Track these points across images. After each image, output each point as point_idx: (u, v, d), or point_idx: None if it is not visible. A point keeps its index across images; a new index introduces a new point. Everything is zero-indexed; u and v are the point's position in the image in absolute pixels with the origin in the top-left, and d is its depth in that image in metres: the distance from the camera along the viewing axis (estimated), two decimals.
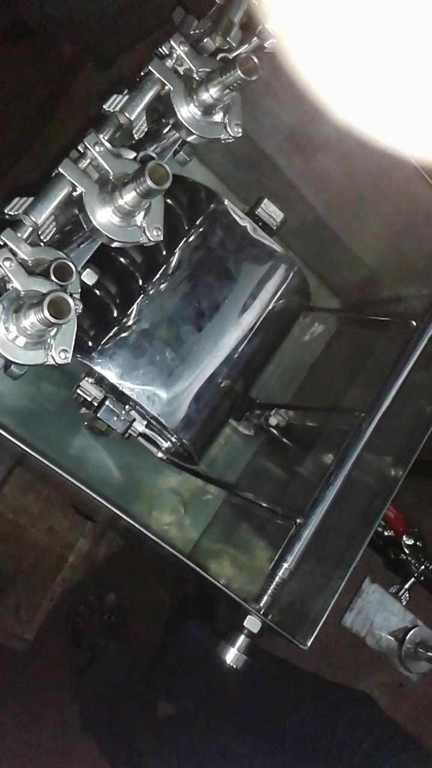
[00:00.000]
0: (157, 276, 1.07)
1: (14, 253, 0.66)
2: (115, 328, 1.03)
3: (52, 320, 0.60)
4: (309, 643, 0.91)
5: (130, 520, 0.82)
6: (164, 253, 1.09)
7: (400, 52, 0.84)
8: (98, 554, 1.58)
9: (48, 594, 1.51)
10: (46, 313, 0.60)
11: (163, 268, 1.08)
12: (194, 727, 1.24)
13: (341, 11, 0.75)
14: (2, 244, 0.66)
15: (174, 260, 1.08)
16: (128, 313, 1.05)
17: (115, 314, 1.05)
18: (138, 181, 0.65)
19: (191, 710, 1.35)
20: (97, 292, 1.04)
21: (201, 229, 1.09)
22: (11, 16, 1.61)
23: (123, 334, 1.03)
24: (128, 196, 0.67)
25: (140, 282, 1.07)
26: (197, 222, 1.08)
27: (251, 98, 0.91)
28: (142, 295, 1.06)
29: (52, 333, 0.67)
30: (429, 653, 1.88)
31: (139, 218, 0.71)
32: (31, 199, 0.68)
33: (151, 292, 1.06)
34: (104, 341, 1.01)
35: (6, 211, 0.67)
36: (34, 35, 1.70)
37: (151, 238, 0.72)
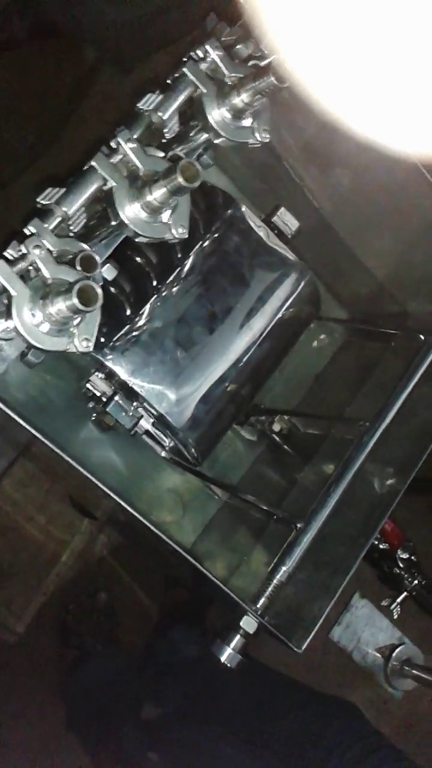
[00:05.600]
0: (172, 277, 1.08)
1: (42, 242, 0.67)
2: (128, 326, 1.05)
3: (81, 308, 0.61)
4: (303, 647, 0.92)
5: (133, 512, 0.83)
6: (179, 255, 1.10)
7: (422, 69, 0.86)
8: (93, 553, 1.58)
9: (41, 589, 1.51)
10: (75, 301, 0.61)
11: (178, 270, 1.09)
12: (183, 729, 1.24)
13: (362, 27, 0.77)
14: (32, 232, 0.67)
15: (189, 263, 1.10)
16: (141, 312, 1.06)
17: (128, 312, 1.07)
18: (169, 178, 0.67)
19: (180, 713, 1.35)
20: (112, 289, 1.06)
21: (217, 234, 1.10)
22: (38, 15, 1.63)
23: (135, 332, 1.04)
24: (158, 193, 0.69)
25: (154, 282, 1.09)
26: (214, 226, 1.10)
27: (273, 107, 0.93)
28: (155, 296, 1.07)
29: (76, 322, 0.68)
30: (414, 671, 1.88)
31: (165, 215, 0.72)
32: (63, 190, 0.70)
33: (164, 293, 1.07)
34: (116, 338, 1.03)
35: (38, 200, 0.69)
36: (58, 36, 1.72)
37: (176, 235, 0.73)
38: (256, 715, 1.25)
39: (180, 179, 0.66)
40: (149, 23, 1.43)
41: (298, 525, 0.96)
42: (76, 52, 1.71)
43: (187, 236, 0.75)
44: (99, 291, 0.62)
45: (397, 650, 1.91)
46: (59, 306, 0.63)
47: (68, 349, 0.69)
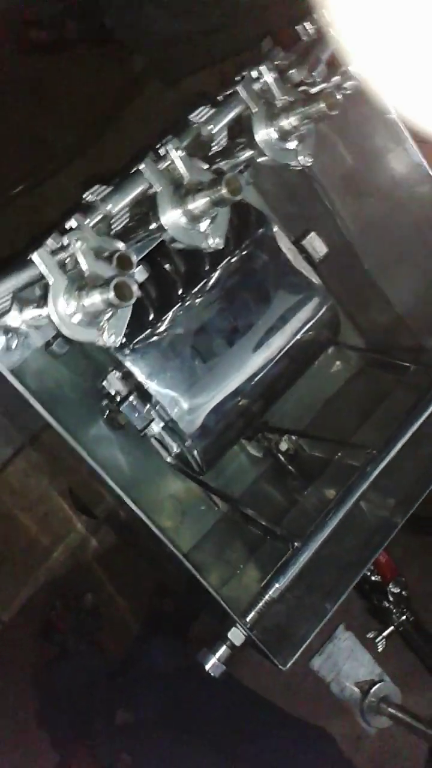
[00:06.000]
0: (197, 288, 1.11)
1: (84, 235, 0.69)
2: (149, 330, 1.06)
3: (116, 302, 0.63)
4: (288, 665, 0.93)
5: (137, 510, 0.84)
6: (207, 267, 1.12)
7: None
8: (87, 552, 1.59)
9: (30, 581, 1.52)
10: (112, 295, 0.63)
11: (204, 281, 1.11)
12: (157, 737, 1.24)
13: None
14: (75, 226, 0.69)
15: (215, 275, 1.12)
16: (163, 318, 1.08)
17: (151, 317, 1.09)
18: (213, 189, 0.69)
19: (154, 721, 1.35)
20: (139, 292, 1.08)
21: (246, 251, 1.13)
22: (91, 19, 1.66)
23: (156, 337, 1.06)
24: (200, 202, 0.71)
25: (180, 291, 1.11)
26: (244, 243, 1.12)
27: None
28: (179, 304, 1.09)
29: (107, 316, 0.70)
30: (391, 709, 1.87)
31: (203, 225, 0.74)
32: (110, 188, 0.72)
33: (188, 302, 1.09)
34: (137, 339, 1.04)
35: (85, 195, 0.71)
36: (109, 42, 1.76)
37: (212, 245, 0.75)
38: (232, 732, 1.25)
39: (224, 191, 0.68)
40: (202, 39, 1.46)
41: (296, 544, 0.97)
42: (124, 59, 1.74)
43: (222, 247, 0.77)
44: (135, 288, 0.64)
45: (376, 687, 1.90)
46: (94, 299, 0.65)
47: (96, 342, 0.70)
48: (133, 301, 0.65)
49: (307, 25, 0.85)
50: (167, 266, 1.10)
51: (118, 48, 1.79)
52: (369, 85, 0.80)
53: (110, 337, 0.70)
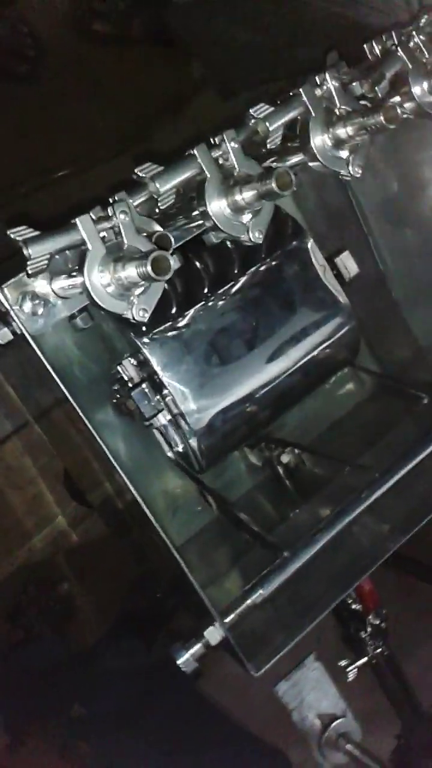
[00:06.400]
0: (224, 290, 1.11)
1: (128, 209, 0.70)
2: (170, 323, 1.07)
3: (153, 276, 0.63)
4: (260, 672, 0.92)
5: (137, 496, 0.84)
6: (236, 271, 1.13)
7: None
8: (71, 539, 1.58)
9: (9, 560, 1.51)
10: (149, 268, 0.63)
11: (231, 284, 1.12)
12: (112, 731, 1.23)
13: None
14: (121, 198, 0.70)
15: (243, 279, 1.13)
16: (185, 314, 1.09)
17: (174, 310, 1.09)
18: (263, 182, 0.70)
19: (111, 718, 1.34)
20: (166, 284, 1.08)
21: (278, 260, 1.13)
22: (158, 20, 1.69)
23: (177, 330, 1.07)
24: (248, 194, 0.72)
25: (206, 290, 1.11)
26: (277, 252, 1.13)
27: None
28: (203, 302, 1.10)
29: (138, 291, 0.71)
30: (348, 746, 1.84)
31: (246, 217, 0.75)
32: (161, 168, 0.73)
33: (211, 302, 1.10)
34: (159, 330, 1.05)
35: (137, 171, 0.72)
36: (170, 45, 1.78)
37: (253, 239, 0.76)
38: (186, 739, 1.24)
39: (273, 185, 0.69)
40: (267, 56, 1.48)
41: (286, 553, 0.97)
42: (183, 65, 1.77)
43: (261, 242, 0.78)
44: (172, 263, 0.65)
45: (337, 722, 1.87)
46: (130, 271, 0.66)
47: (125, 314, 0.71)
48: (168, 276, 0.66)
49: (375, 43, 0.86)
50: (197, 264, 1.11)
51: (179, 53, 1.81)
52: (427, 112, 0.81)
53: (139, 311, 0.71)
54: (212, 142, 0.76)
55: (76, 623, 1.67)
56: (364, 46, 0.88)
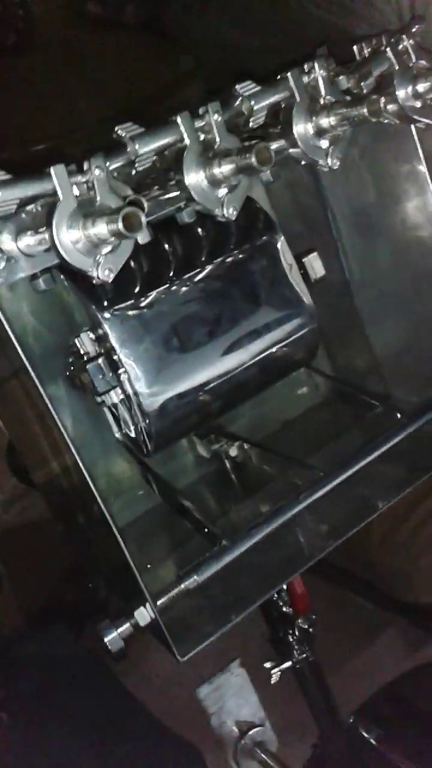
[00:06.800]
0: (189, 275, 1.10)
1: (105, 165, 0.69)
2: (133, 300, 1.06)
3: (124, 232, 0.62)
4: (186, 658, 0.91)
5: (84, 471, 0.83)
6: (203, 258, 1.13)
7: None
8: (6, 518, 1.54)
9: None
10: (120, 225, 0.62)
11: (198, 270, 1.11)
12: (29, 713, 1.20)
13: None
14: (100, 155, 0.69)
15: (210, 267, 1.12)
16: (148, 294, 1.07)
17: (137, 290, 1.08)
18: (242, 156, 0.70)
19: (29, 702, 1.31)
20: (132, 262, 1.07)
21: (246, 254, 1.13)
22: (153, 10, 1.69)
23: (139, 309, 1.05)
24: (226, 168, 0.72)
25: (171, 273, 1.10)
26: (246, 245, 1.13)
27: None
28: (167, 285, 1.09)
29: (105, 251, 0.69)
30: (263, 756, 1.84)
31: (222, 191, 0.75)
32: (142, 129, 0.72)
33: (175, 286, 1.09)
34: (121, 306, 1.03)
35: (117, 129, 0.71)
36: (162, 35, 1.79)
37: (225, 214, 0.76)
38: (107, 727, 1.22)
39: (253, 159, 0.69)
40: (257, 56, 1.49)
41: (224, 542, 0.96)
42: (173, 56, 1.77)
43: (234, 219, 0.78)
44: (143, 220, 0.64)
45: (255, 730, 1.87)
46: (101, 228, 0.65)
47: (89, 272, 0.69)
48: (138, 234, 0.65)
49: (365, 44, 0.88)
50: (166, 245, 1.10)
51: (169, 44, 1.81)
52: (409, 117, 0.83)
53: (104, 270, 0.69)
54: (197, 113, 0.76)
55: (2, 606, 1.63)
56: (354, 47, 0.89)
